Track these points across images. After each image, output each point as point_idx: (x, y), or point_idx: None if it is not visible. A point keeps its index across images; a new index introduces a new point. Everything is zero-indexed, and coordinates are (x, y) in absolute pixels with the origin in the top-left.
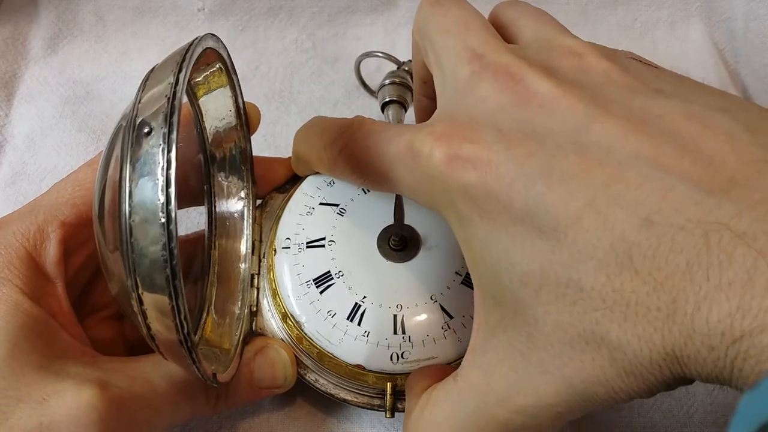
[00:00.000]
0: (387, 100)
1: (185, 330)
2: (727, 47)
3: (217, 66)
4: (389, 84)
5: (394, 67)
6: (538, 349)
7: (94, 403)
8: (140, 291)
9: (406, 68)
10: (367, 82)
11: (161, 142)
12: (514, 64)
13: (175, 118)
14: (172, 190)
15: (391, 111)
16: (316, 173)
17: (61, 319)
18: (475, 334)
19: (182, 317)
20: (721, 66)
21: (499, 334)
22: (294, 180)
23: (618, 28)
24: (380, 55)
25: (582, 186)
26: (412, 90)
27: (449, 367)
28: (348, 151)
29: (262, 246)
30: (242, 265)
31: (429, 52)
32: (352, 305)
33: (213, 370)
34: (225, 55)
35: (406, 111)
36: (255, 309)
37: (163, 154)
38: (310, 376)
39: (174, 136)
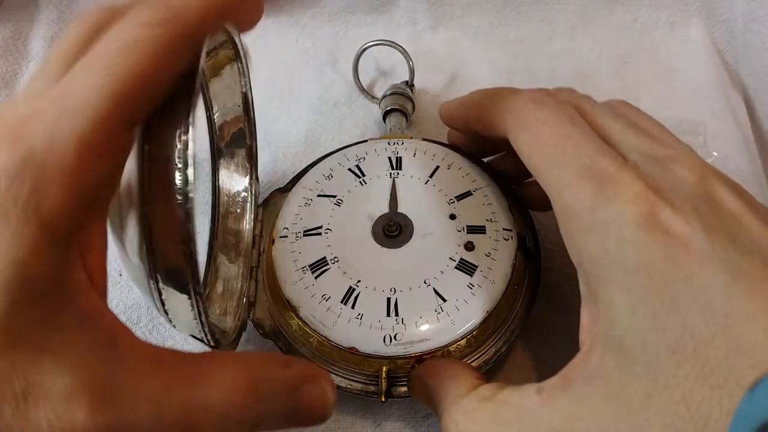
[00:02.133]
0: (389, 108)
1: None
2: (727, 48)
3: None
4: (391, 94)
5: (393, 65)
6: (651, 412)
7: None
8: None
9: (407, 82)
10: (367, 84)
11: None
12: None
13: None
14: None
15: (392, 119)
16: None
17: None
18: (578, 367)
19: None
20: (720, 66)
21: (614, 379)
22: (296, 180)
23: (618, 28)
24: (380, 43)
25: (765, 291)
26: (412, 100)
27: (470, 366)
28: (531, 128)
29: (262, 241)
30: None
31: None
32: (347, 289)
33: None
34: (238, 44)
35: (407, 120)
36: (253, 299)
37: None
38: None
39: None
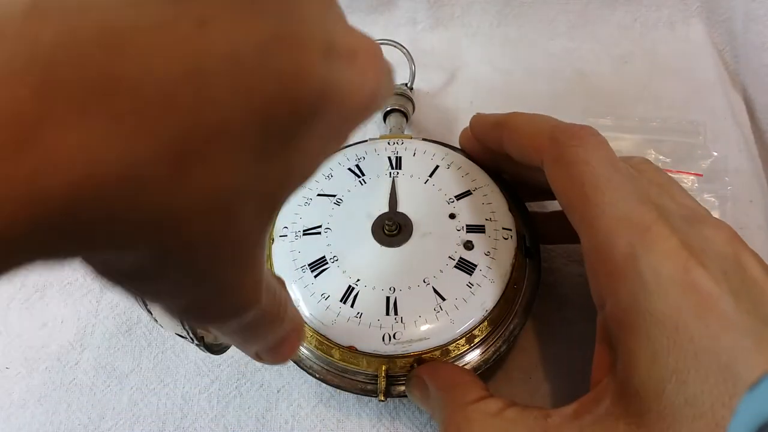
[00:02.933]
0: (389, 108)
1: None
2: (727, 48)
3: None
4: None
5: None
6: None
7: None
8: None
9: (407, 84)
10: None
11: None
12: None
13: None
14: None
15: (392, 119)
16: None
17: None
18: (590, 404)
19: None
20: (720, 66)
21: (625, 422)
22: None
23: (618, 28)
24: (383, 42)
25: None
26: (412, 100)
27: (477, 378)
28: (570, 166)
29: None
30: None
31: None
32: (346, 288)
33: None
34: None
35: (407, 120)
36: None
37: None
38: (305, 363)
39: None
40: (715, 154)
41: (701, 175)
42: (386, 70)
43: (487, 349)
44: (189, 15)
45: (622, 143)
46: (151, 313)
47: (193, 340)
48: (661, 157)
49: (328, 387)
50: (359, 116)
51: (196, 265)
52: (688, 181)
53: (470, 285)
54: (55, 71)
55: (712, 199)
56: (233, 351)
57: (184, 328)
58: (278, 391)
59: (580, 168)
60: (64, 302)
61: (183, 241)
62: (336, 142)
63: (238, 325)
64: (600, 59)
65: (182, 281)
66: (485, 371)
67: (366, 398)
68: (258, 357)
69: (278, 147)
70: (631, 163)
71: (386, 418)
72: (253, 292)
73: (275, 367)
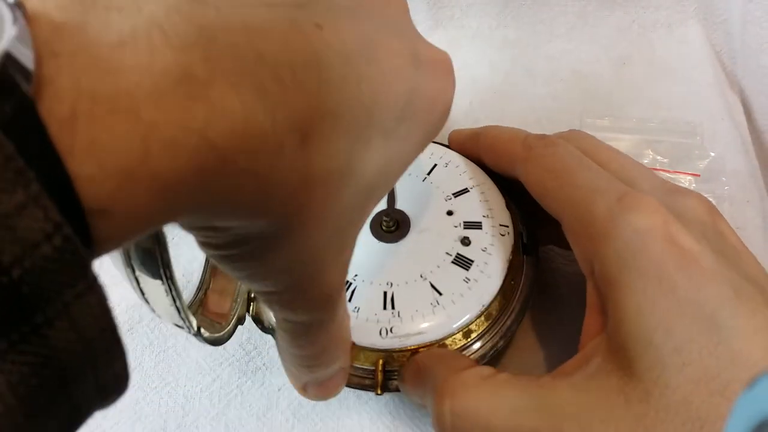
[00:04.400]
0: None
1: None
2: (724, 49)
3: None
4: None
5: None
6: (650, 409)
7: None
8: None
9: None
10: None
11: None
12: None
13: None
14: None
15: None
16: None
17: None
18: (580, 362)
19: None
20: (718, 68)
21: (615, 374)
22: None
23: (616, 29)
24: None
25: (764, 314)
26: None
27: (465, 356)
28: (543, 160)
29: None
30: None
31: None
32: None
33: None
34: None
35: None
36: (253, 295)
37: None
38: None
39: None
40: (713, 154)
41: (698, 175)
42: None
43: (485, 344)
44: (308, 19)
45: (620, 144)
46: (149, 303)
47: (190, 330)
48: (658, 157)
49: None
50: (440, 121)
51: (306, 234)
52: (685, 181)
53: (467, 280)
54: (217, 45)
55: (710, 200)
56: (234, 351)
57: (181, 318)
58: (279, 390)
59: (552, 159)
60: None
61: (299, 206)
62: (424, 143)
63: (315, 323)
64: (598, 60)
65: (288, 254)
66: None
67: (366, 396)
68: (304, 390)
69: (377, 136)
70: (565, 136)
71: (386, 416)
72: (339, 281)
73: (276, 366)
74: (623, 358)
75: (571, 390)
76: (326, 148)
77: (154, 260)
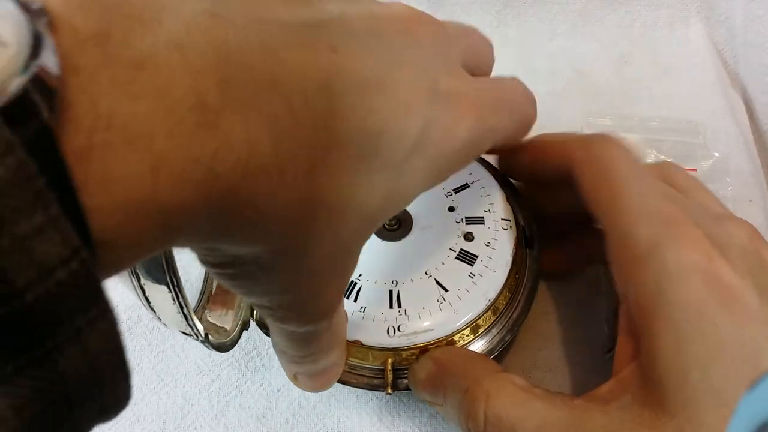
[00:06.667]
0: None
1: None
2: (726, 47)
3: None
4: None
5: None
6: None
7: None
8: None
9: None
10: None
11: None
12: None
13: None
14: None
15: None
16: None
17: None
18: (615, 391)
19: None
20: (720, 66)
21: (649, 409)
22: None
23: (617, 28)
24: None
25: None
26: None
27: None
28: (601, 166)
29: None
30: None
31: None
32: (348, 283)
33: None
34: None
35: None
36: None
37: None
38: None
39: None
40: (716, 154)
41: (695, 170)
42: (495, 111)
43: (492, 338)
44: (324, 41)
45: None
46: (155, 311)
47: (197, 337)
48: (661, 156)
49: None
50: (455, 156)
51: (303, 260)
52: None
53: (472, 275)
54: (232, 68)
55: None
56: (233, 351)
57: (189, 325)
58: (278, 390)
59: (610, 164)
60: None
61: (297, 234)
62: (434, 178)
63: (309, 333)
64: (600, 59)
65: (285, 277)
66: None
67: (366, 396)
68: (295, 379)
69: (382, 168)
70: (658, 168)
71: (386, 416)
72: (336, 300)
73: (275, 366)
74: (658, 393)
75: (603, 417)
76: (329, 180)
77: (160, 267)
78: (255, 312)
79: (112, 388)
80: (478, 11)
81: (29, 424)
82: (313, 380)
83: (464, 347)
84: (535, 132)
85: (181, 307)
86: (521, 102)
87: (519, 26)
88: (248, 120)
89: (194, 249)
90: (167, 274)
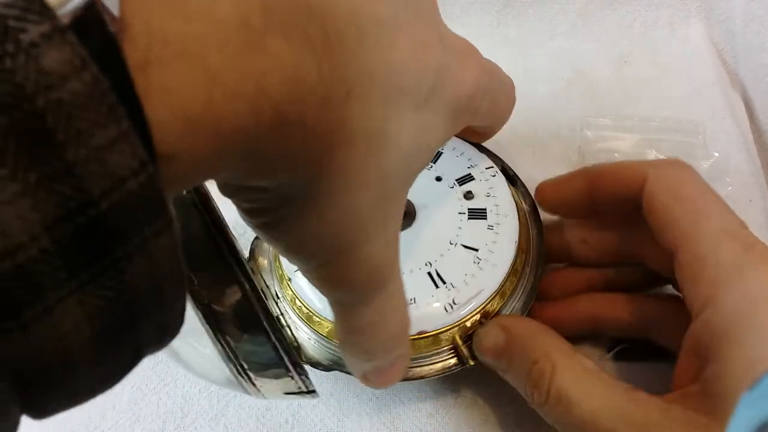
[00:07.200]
0: None
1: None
2: (726, 47)
3: None
4: None
5: None
6: None
7: None
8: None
9: None
10: None
11: None
12: None
13: None
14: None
15: None
16: None
17: None
18: (678, 398)
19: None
20: (720, 66)
21: (710, 417)
22: None
23: (617, 28)
24: None
25: None
26: None
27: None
28: (673, 184)
29: (270, 289)
30: None
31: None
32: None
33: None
34: None
35: None
36: (296, 344)
37: None
38: None
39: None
40: (716, 155)
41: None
42: (489, 70)
43: (528, 278)
44: None
45: (622, 143)
46: (258, 389)
47: (307, 388)
48: (660, 156)
49: (328, 386)
50: (467, 100)
51: (344, 198)
52: None
53: (491, 227)
54: None
55: None
56: None
57: (300, 380)
58: None
59: (686, 185)
60: None
61: (341, 162)
62: (452, 124)
63: (363, 305)
64: (600, 59)
65: (326, 217)
66: (487, 370)
67: (366, 396)
68: (366, 378)
69: (408, 105)
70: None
71: (386, 416)
72: (385, 261)
73: None
74: (718, 404)
75: (660, 415)
76: (365, 106)
77: (263, 331)
78: (302, 354)
79: (171, 303)
80: (478, 11)
81: (99, 334)
82: (382, 376)
83: (514, 302)
84: (535, 132)
85: (289, 368)
86: (507, 80)
87: (519, 26)
88: (292, 41)
89: (238, 196)
90: (271, 335)
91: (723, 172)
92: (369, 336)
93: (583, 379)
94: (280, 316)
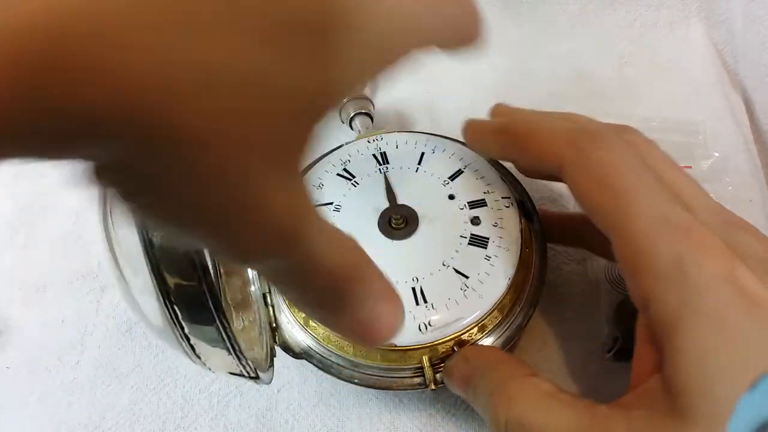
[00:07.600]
0: (353, 114)
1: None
2: (726, 47)
3: None
4: (348, 101)
5: None
6: None
7: None
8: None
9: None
10: None
11: None
12: None
13: None
14: None
15: (358, 122)
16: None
17: None
18: (639, 398)
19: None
20: (720, 66)
21: (672, 419)
22: None
23: (617, 28)
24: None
25: None
26: (371, 100)
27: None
28: (596, 169)
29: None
30: (252, 288)
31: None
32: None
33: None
34: None
35: (372, 120)
36: (275, 324)
37: None
38: (345, 373)
39: None
40: (716, 154)
41: (690, 167)
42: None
43: (515, 317)
44: None
45: None
46: (200, 358)
47: (250, 373)
48: None
49: (328, 386)
50: (399, 36)
51: (208, 162)
52: None
53: (488, 258)
54: None
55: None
56: None
57: (241, 364)
58: (278, 391)
59: (607, 171)
60: (65, 302)
61: (187, 124)
62: (376, 63)
63: (289, 270)
64: (600, 59)
65: (195, 188)
66: (512, 347)
67: (366, 397)
68: (353, 335)
69: (311, 48)
70: (618, 131)
71: (386, 416)
72: (293, 220)
73: (276, 366)
74: (681, 402)
75: (626, 426)
76: (217, 42)
77: (206, 309)
78: (278, 337)
79: None
80: None
81: None
82: (369, 330)
83: (492, 335)
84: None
85: (232, 347)
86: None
87: (519, 26)
88: None
89: (108, 179)
90: (216, 318)
91: (723, 172)
92: (312, 287)
93: (540, 404)
94: (267, 294)
